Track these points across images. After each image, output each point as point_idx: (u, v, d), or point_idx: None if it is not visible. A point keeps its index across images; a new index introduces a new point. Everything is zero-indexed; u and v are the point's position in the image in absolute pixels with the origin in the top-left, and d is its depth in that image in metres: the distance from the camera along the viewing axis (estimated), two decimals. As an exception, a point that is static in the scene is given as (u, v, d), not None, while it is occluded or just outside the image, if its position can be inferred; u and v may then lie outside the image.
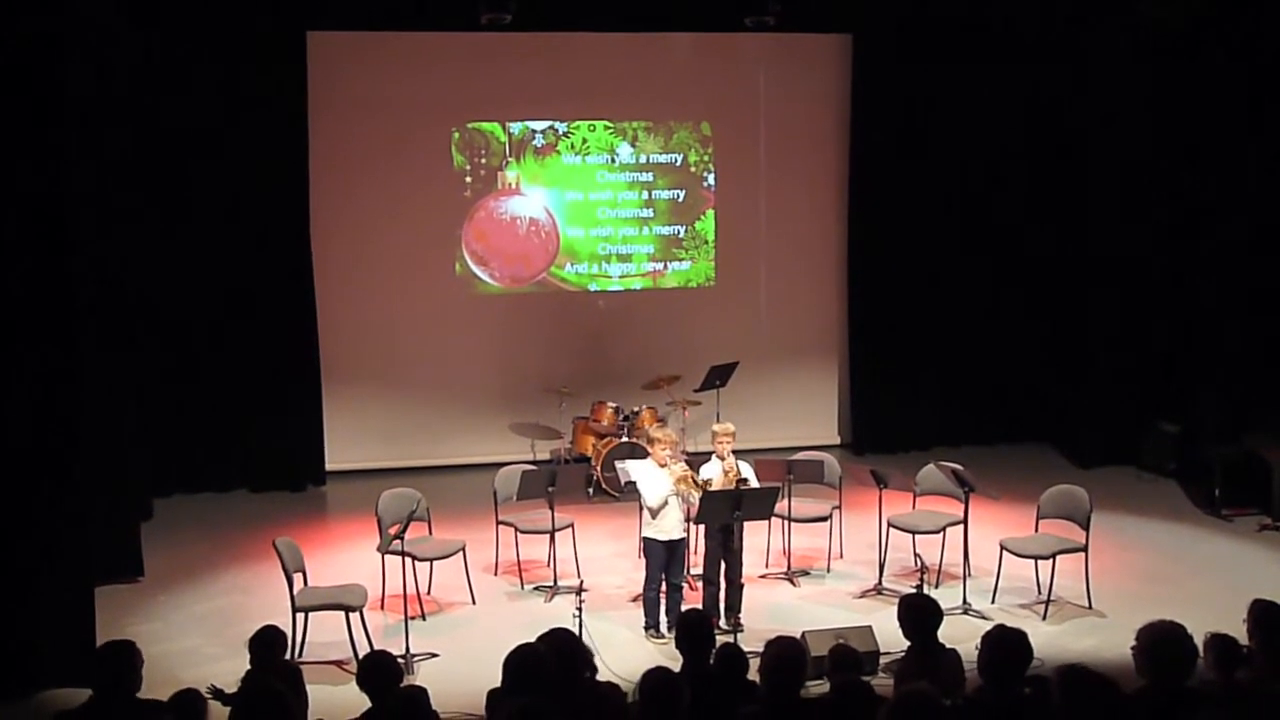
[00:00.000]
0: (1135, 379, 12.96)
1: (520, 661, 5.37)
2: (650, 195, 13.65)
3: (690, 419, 12.57)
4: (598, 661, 6.21)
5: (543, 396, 12.76)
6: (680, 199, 13.71)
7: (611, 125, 13.49)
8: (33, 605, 7.90)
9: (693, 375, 12.52)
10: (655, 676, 5.28)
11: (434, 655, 8.35)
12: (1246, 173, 12.10)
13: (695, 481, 8.57)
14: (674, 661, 5.95)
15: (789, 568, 9.88)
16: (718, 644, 6.12)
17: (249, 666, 6.41)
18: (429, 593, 9.44)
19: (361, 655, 6.26)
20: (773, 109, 13.75)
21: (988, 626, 5.75)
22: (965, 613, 8.86)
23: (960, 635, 7.15)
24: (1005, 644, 5.38)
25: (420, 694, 5.53)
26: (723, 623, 8.54)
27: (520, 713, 4.77)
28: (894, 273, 13.62)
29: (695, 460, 9.18)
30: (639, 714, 5.21)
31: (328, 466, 12.91)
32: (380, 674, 5.64)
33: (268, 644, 6.44)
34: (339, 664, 8.22)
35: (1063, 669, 5.15)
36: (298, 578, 8.37)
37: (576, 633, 6.29)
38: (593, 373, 13.15)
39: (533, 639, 5.62)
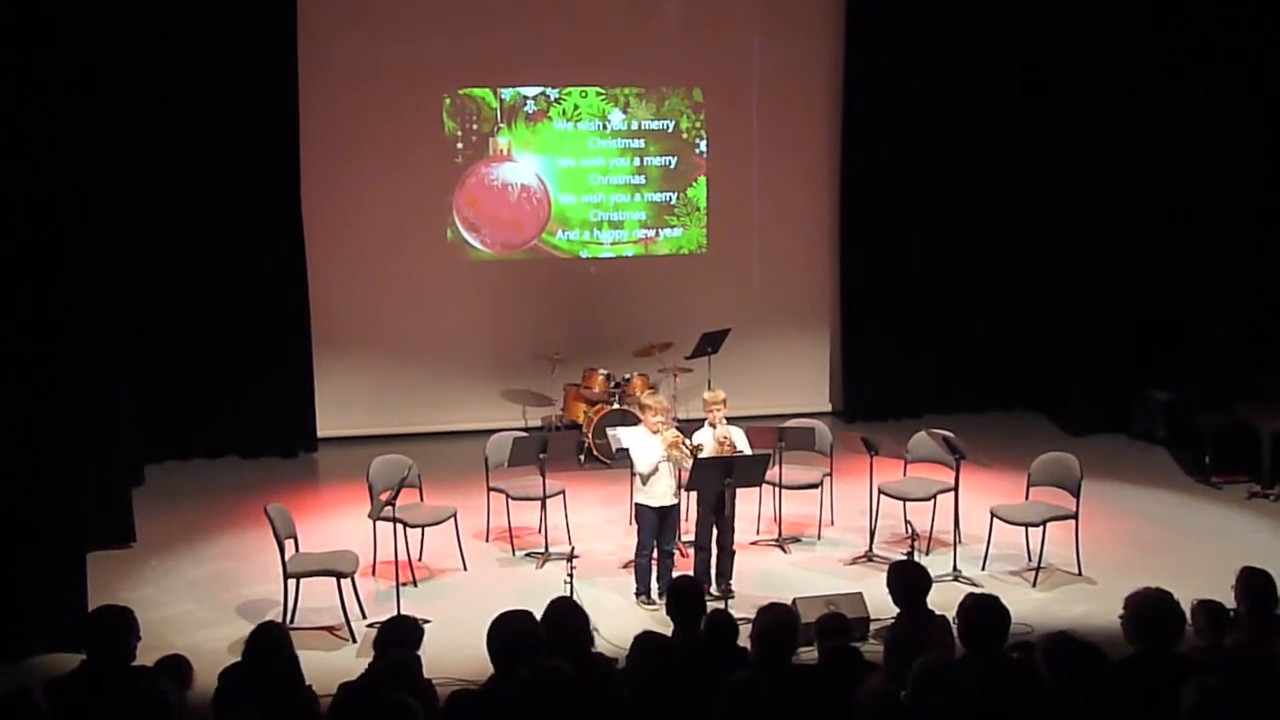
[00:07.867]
0: (1126, 347, 12.96)
1: (505, 630, 5.35)
2: (642, 162, 13.58)
3: (682, 385, 12.56)
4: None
5: (534, 363, 12.76)
6: (672, 165, 13.65)
7: (603, 91, 13.41)
8: (24, 571, 7.89)
9: (684, 342, 12.51)
10: (645, 641, 5.30)
11: (425, 621, 8.32)
12: (1239, 140, 12.06)
13: (686, 446, 8.56)
14: (665, 628, 5.96)
15: (780, 534, 9.90)
16: (708, 610, 6.14)
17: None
18: (420, 559, 9.45)
19: (385, 619, 6.18)
20: (765, 75, 13.66)
21: (976, 593, 5.78)
22: (955, 579, 8.89)
23: (950, 602, 7.14)
24: (981, 610, 5.41)
25: (412, 660, 5.54)
26: (714, 589, 8.56)
27: (534, 679, 4.72)
28: (886, 240, 13.57)
29: (687, 428, 9.17)
30: (628, 678, 5.23)
31: (319, 433, 12.88)
32: (400, 637, 5.62)
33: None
34: (330, 629, 8.24)
35: (1050, 636, 5.18)
36: (289, 544, 8.36)
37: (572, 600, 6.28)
38: (584, 340, 13.12)
39: (524, 605, 5.60)
